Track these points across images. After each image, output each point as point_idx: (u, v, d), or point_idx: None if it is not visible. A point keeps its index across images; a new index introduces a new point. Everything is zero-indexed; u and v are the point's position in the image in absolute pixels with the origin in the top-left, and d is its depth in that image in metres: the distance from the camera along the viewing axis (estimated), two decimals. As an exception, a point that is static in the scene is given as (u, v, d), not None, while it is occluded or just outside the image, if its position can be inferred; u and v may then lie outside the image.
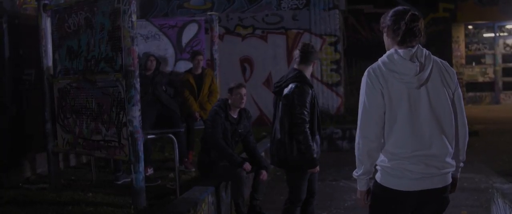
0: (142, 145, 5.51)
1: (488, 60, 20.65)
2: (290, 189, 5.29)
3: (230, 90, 6.17)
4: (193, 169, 7.59)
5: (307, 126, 4.92)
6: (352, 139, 11.27)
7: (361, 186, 3.20)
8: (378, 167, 3.13)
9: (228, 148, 6.06)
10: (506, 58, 20.58)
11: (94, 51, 5.95)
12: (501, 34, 20.65)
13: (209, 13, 8.76)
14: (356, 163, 3.17)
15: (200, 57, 8.18)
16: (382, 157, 3.10)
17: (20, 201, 5.91)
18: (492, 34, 20.61)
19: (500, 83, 20.50)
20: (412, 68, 3.00)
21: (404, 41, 3.06)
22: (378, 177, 3.14)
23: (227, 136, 6.15)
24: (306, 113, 4.91)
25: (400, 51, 3.04)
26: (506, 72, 20.57)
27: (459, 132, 3.16)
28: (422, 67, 3.02)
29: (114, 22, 5.66)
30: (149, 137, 6.43)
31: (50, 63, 6.58)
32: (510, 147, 10.75)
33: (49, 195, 6.12)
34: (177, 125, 7.62)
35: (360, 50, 16.99)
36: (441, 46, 18.58)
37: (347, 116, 12.70)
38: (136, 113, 5.47)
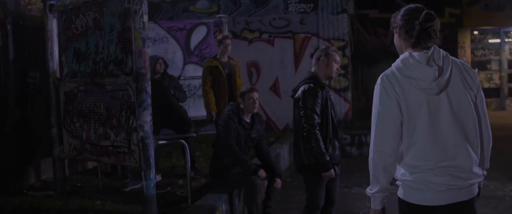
0: (153, 151, 5.30)
1: (494, 66, 20.49)
2: (307, 195, 5.15)
3: (242, 95, 6.01)
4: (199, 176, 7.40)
5: (317, 128, 4.80)
6: (361, 145, 11.08)
7: (376, 205, 2.94)
8: (399, 182, 2.88)
9: (242, 153, 5.87)
10: (512, 64, 20.45)
11: (103, 54, 5.74)
12: (507, 40, 20.50)
13: (218, 15, 8.56)
14: (371, 180, 2.91)
15: (229, 41, 7.62)
16: (402, 170, 2.85)
17: (25, 208, 5.71)
18: (498, 40, 20.46)
19: (506, 89, 20.32)
20: (430, 73, 2.73)
21: (418, 43, 2.81)
22: (400, 193, 2.88)
23: (241, 141, 5.96)
24: (315, 115, 4.80)
25: (415, 54, 2.79)
26: (512, 78, 20.45)
27: (483, 137, 2.90)
28: (441, 71, 2.75)
29: (124, 23, 5.45)
30: (160, 142, 6.22)
31: (56, 66, 6.37)
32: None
33: (56, 203, 5.91)
34: (187, 130, 7.40)
35: (366, 55, 16.81)
36: (446, 51, 18.39)
37: (356, 121, 12.50)
38: (147, 117, 5.25)
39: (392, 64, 2.86)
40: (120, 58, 5.53)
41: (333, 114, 4.94)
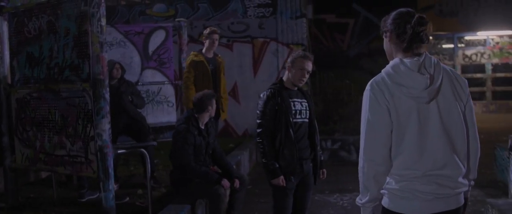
0: (112, 161, 5.05)
1: (448, 71, 20.86)
2: (273, 203, 5.03)
3: (208, 101, 5.81)
4: (159, 185, 7.14)
5: (268, 135, 4.77)
6: (322, 151, 11.01)
7: None
8: (384, 191, 2.79)
9: (201, 167, 5.66)
10: (465, 69, 20.84)
11: (57, 58, 5.46)
12: (460, 45, 20.90)
13: (177, 19, 8.32)
14: (361, 189, 2.83)
15: (217, 36, 7.41)
16: (388, 179, 2.77)
17: (-26, 223, 5.37)
18: (452, 45, 20.85)
19: (460, 94, 20.70)
20: (422, 81, 2.66)
21: (410, 47, 2.74)
22: (385, 202, 2.79)
23: (202, 151, 5.76)
24: (265, 122, 4.77)
25: (407, 61, 2.70)
26: (465, 83, 20.79)
27: (471, 148, 2.84)
28: (432, 79, 2.67)
29: (80, 27, 5.19)
30: (119, 152, 5.95)
31: (7, 71, 6.05)
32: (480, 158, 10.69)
33: (7, 216, 5.59)
34: (146, 138, 7.14)
35: (323, 60, 16.83)
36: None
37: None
38: (105, 125, 5.00)
39: (382, 70, 2.77)
40: (76, 64, 5.27)
41: (291, 120, 4.80)
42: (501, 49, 20.52)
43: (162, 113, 8.19)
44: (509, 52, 20.49)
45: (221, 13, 12.31)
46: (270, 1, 12.15)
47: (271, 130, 4.79)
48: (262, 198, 7.83)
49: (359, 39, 19.34)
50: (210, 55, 7.47)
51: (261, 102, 4.85)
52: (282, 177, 4.78)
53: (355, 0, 18.76)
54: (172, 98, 8.29)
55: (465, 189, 2.80)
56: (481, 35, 20.46)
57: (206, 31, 7.52)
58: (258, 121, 4.85)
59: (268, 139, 4.79)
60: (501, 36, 20.42)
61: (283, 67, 12.11)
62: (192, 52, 7.58)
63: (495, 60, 20.75)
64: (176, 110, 8.50)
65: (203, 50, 7.49)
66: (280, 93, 4.80)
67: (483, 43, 20.77)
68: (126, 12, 12.32)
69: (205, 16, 12.32)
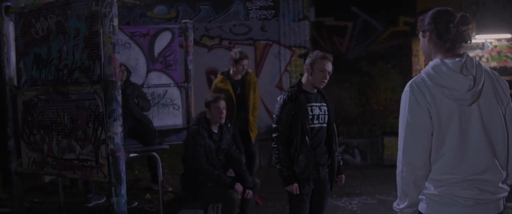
0: (124, 165, 4.92)
1: (446, 74, 20.82)
2: (289, 210, 4.92)
3: (208, 104, 5.68)
4: (170, 189, 7.01)
5: (283, 140, 4.63)
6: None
7: None
8: (422, 197, 2.69)
9: (214, 170, 5.54)
10: (462, 72, 20.77)
11: (67, 60, 5.32)
12: (458, 48, 20.88)
13: (183, 21, 8.20)
14: (399, 194, 2.73)
15: (247, 61, 6.94)
16: (426, 184, 2.67)
17: (-20, 229, 5.23)
18: (450, 48, 20.83)
19: (457, 96, 20.67)
20: (465, 82, 2.56)
21: (452, 48, 2.64)
22: (423, 208, 2.69)
23: (212, 155, 5.65)
24: (279, 126, 4.64)
25: (448, 61, 2.61)
26: (463, 86, 20.75)
27: (510, 152, 2.73)
28: (475, 81, 2.58)
29: (91, 27, 5.05)
30: (131, 155, 5.81)
31: (14, 72, 5.89)
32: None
33: (14, 222, 5.44)
34: (151, 142, 7.00)
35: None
36: (401, 59, 18.52)
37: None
38: (117, 128, 4.86)
39: (422, 71, 2.67)
40: (86, 65, 5.13)
41: (307, 126, 4.65)
42: (499, 52, 20.47)
43: (168, 116, 8.05)
44: (507, 56, 20.44)
45: (222, 15, 12.17)
46: (272, 3, 12.02)
47: (287, 135, 4.66)
48: (269, 202, 7.73)
49: (358, 42, 19.25)
50: (238, 77, 7.07)
51: (277, 106, 4.72)
52: (296, 184, 4.66)
53: (354, 2, 18.65)
54: (178, 101, 8.15)
55: (505, 194, 2.71)
56: (479, 38, 20.42)
57: (236, 56, 7.00)
58: (274, 125, 4.73)
59: (283, 144, 4.66)
60: (499, 40, 20.38)
61: (286, 70, 12.00)
62: (219, 75, 7.25)
63: (493, 64, 20.67)
64: (182, 112, 8.37)
65: (231, 73, 7.13)
66: (297, 97, 4.66)
67: (481, 46, 20.70)
68: (126, 14, 12.15)
69: (206, 18, 12.17)
